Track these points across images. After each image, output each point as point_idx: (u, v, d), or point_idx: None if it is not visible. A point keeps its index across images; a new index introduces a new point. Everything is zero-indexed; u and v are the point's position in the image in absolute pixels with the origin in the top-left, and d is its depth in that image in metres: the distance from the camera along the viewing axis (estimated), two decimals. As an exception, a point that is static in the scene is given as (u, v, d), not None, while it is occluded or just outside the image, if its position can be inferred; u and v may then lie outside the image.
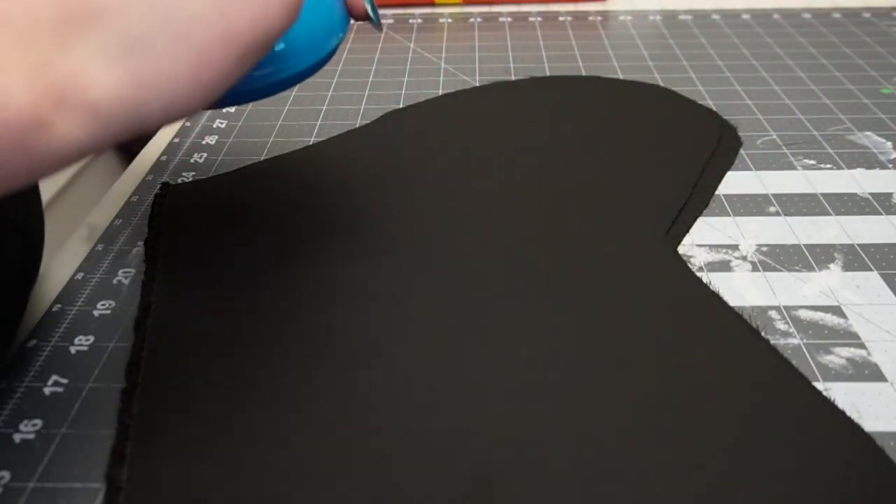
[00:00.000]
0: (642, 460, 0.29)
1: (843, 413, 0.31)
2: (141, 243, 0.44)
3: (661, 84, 0.61)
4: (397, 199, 0.46)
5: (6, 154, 0.21)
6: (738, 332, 0.35)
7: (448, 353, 0.35)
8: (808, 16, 0.76)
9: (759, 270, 0.40)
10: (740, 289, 0.39)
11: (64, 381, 0.34)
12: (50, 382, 0.34)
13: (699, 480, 0.28)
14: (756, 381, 0.33)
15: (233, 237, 0.42)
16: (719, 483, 0.28)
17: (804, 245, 0.42)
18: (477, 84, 0.62)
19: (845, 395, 0.33)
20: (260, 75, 0.36)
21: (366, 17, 0.39)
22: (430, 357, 0.34)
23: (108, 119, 0.22)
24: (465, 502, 0.28)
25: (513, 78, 0.63)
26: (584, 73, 0.64)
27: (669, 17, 0.77)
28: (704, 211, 0.45)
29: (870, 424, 0.31)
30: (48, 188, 0.81)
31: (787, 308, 0.38)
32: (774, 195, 0.46)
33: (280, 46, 0.35)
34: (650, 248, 0.41)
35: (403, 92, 0.62)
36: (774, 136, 0.53)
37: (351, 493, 0.28)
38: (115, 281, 0.41)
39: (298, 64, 0.36)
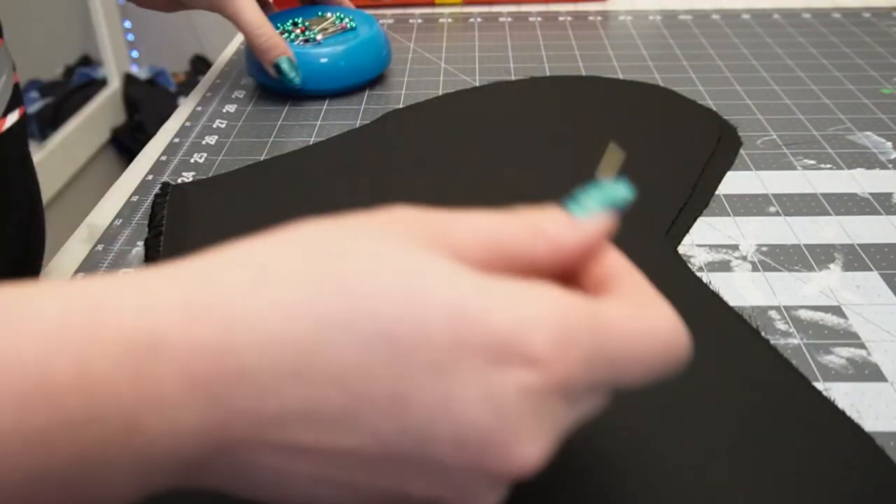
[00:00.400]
0: (642, 460, 0.29)
1: (843, 413, 0.31)
2: (141, 243, 0.44)
3: (661, 84, 0.61)
4: (397, 200, 0.46)
5: None
6: (738, 332, 0.35)
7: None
8: (808, 16, 0.76)
9: (759, 270, 0.40)
10: (740, 289, 0.39)
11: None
12: (50, 382, 0.34)
13: (699, 480, 0.28)
14: (756, 381, 0.33)
15: (232, 236, 0.42)
16: (719, 483, 0.28)
17: (804, 245, 0.42)
18: (477, 84, 0.62)
19: (845, 395, 0.33)
20: (317, 90, 0.60)
21: None
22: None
23: None
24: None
25: (513, 78, 0.63)
26: (584, 73, 0.64)
27: (669, 17, 0.77)
28: (704, 211, 0.45)
29: (870, 424, 0.31)
30: (48, 188, 0.81)
31: (787, 308, 0.38)
32: (774, 195, 0.46)
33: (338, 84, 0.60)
34: (650, 248, 0.41)
35: (403, 92, 0.62)
36: (774, 136, 0.53)
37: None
38: (115, 281, 0.41)
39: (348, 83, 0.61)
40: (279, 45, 0.56)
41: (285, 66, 0.56)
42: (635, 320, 0.22)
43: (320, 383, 0.19)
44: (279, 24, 0.62)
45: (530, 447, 0.20)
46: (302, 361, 0.19)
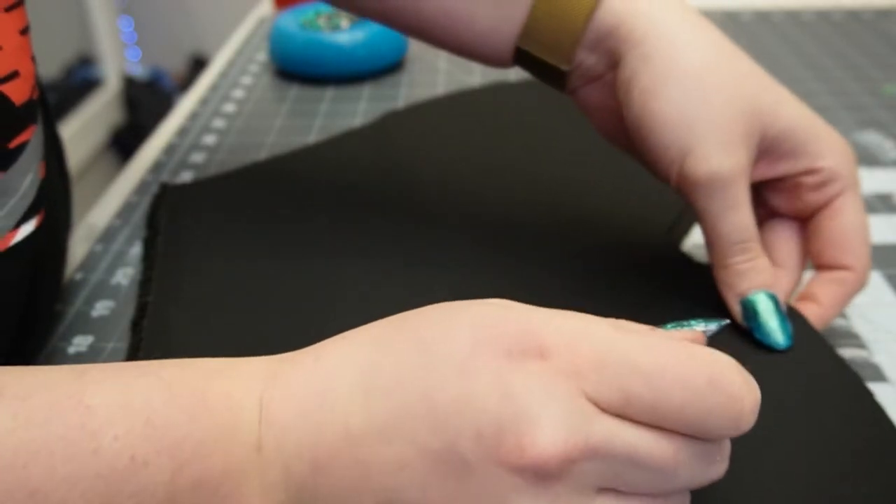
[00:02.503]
0: None
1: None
2: (139, 243, 0.43)
3: (661, 84, 0.61)
4: (396, 200, 0.46)
5: None
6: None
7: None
8: (808, 16, 0.76)
9: (759, 270, 0.40)
10: (741, 289, 0.39)
11: (62, 381, 0.34)
12: (48, 383, 0.34)
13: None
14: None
15: (231, 237, 0.42)
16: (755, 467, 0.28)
17: (805, 245, 0.42)
18: (477, 84, 0.62)
19: (846, 396, 0.32)
20: (340, 74, 0.64)
21: None
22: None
23: None
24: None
25: (513, 79, 0.63)
26: (583, 73, 0.63)
27: (669, 16, 0.77)
28: (705, 211, 0.45)
29: (871, 425, 0.31)
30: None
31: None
32: (775, 195, 0.46)
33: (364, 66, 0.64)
34: (652, 247, 0.41)
35: (403, 92, 0.62)
36: (775, 136, 0.53)
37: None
38: (113, 281, 0.41)
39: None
40: (763, 271, 0.33)
41: (762, 306, 0.33)
42: (660, 342, 0.21)
43: (377, 399, 0.21)
44: (302, 17, 0.66)
45: (543, 432, 0.20)
46: (365, 382, 0.22)
